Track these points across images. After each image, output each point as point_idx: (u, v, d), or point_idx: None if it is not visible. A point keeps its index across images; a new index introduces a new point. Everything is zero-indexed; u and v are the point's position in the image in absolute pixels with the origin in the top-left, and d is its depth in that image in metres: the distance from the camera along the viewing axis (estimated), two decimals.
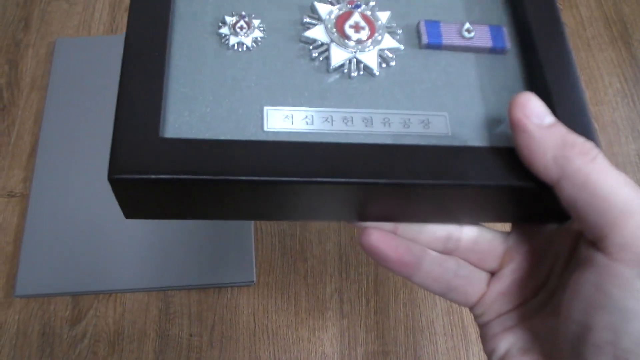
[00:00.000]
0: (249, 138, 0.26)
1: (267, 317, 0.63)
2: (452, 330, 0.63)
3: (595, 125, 0.26)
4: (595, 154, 0.24)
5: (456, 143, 0.28)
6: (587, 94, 0.76)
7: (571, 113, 0.27)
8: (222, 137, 0.26)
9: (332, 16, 0.30)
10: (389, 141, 0.27)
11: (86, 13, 0.81)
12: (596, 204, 0.23)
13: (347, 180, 0.25)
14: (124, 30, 0.81)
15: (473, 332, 0.62)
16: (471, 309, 0.32)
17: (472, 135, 0.28)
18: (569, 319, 0.25)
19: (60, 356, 0.61)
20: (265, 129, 0.27)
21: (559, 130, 0.25)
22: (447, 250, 0.31)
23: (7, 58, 0.78)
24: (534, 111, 0.25)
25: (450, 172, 0.26)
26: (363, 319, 0.63)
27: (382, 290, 0.64)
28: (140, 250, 0.64)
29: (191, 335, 0.62)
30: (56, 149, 0.70)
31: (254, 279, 0.63)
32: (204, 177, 0.24)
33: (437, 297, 0.64)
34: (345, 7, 0.30)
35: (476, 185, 0.26)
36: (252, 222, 0.66)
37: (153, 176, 0.25)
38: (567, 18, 0.82)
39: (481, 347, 0.61)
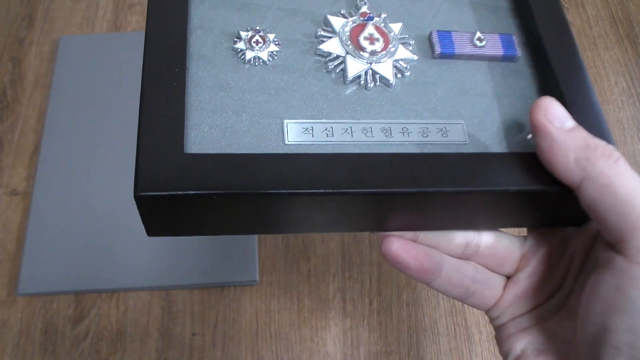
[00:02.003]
0: (271, 152, 0.27)
1: (270, 316, 0.62)
2: (455, 330, 0.62)
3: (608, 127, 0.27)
4: (617, 157, 0.25)
5: (475, 150, 0.28)
6: None
7: (586, 119, 0.27)
8: (244, 149, 0.26)
9: (347, 29, 0.30)
10: (409, 150, 0.27)
11: (90, 10, 0.81)
12: (618, 207, 0.24)
13: (371, 190, 0.25)
14: (128, 28, 0.80)
15: (476, 332, 0.62)
16: (487, 312, 0.33)
17: (490, 142, 0.28)
18: (587, 320, 0.25)
19: (62, 355, 0.61)
20: (287, 142, 0.27)
21: (581, 134, 0.25)
22: (466, 255, 0.31)
23: (11, 56, 0.78)
24: (555, 115, 0.26)
25: (474, 179, 0.26)
26: (366, 318, 0.63)
27: (385, 290, 0.64)
28: (143, 249, 0.64)
29: (194, 335, 0.62)
30: (59, 147, 0.70)
31: (257, 279, 0.63)
32: (230, 191, 0.25)
33: (440, 297, 0.64)
34: (358, 20, 0.30)
35: (500, 191, 0.26)
36: None
37: (179, 192, 0.25)
38: (574, 17, 0.81)
39: (484, 347, 0.61)
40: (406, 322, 0.63)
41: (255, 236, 0.65)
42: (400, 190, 0.25)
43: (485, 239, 0.31)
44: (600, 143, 0.25)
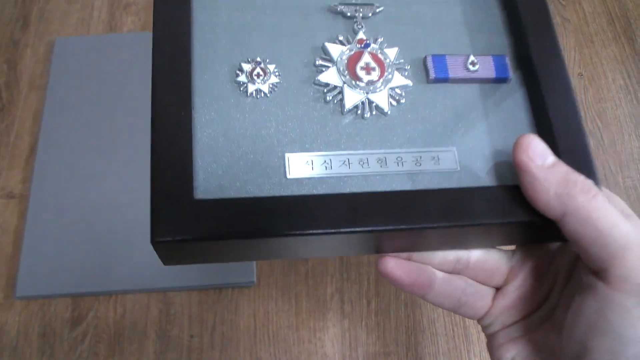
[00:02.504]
0: (273, 186, 0.28)
1: (268, 318, 0.62)
2: (453, 330, 0.62)
3: (591, 144, 0.27)
4: (596, 192, 0.26)
5: (465, 178, 0.29)
6: (590, 91, 0.76)
7: (572, 145, 0.29)
8: (249, 187, 0.28)
9: (344, 57, 0.31)
10: (403, 180, 0.29)
11: (85, 11, 0.81)
12: (598, 239, 0.25)
13: (367, 229, 0.27)
14: (124, 29, 0.80)
15: (474, 332, 0.62)
16: (479, 321, 0.34)
17: (480, 170, 0.30)
18: (571, 339, 0.26)
19: (60, 357, 0.61)
20: (288, 176, 0.28)
21: (561, 169, 0.27)
22: (457, 270, 0.33)
23: (6, 57, 0.77)
24: (536, 152, 0.27)
25: (462, 214, 0.27)
26: (364, 319, 0.63)
27: (383, 290, 0.64)
28: (141, 251, 0.64)
29: (192, 337, 0.62)
30: (55, 149, 0.70)
31: (255, 280, 0.63)
32: (236, 237, 0.26)
33: None
34: (355, 47, 0.31)
35: (485, 224, 0.28)
36: None
37: (191, 238, 0.26)
38: (570, 14, 0.81)
39: (482, 347, 0.61)
40: (404, 322, 0.63)
41: None
42: (393, 227, 0.27)
43: (474, 254, 0.33)
44: (579, 178, 0.27)
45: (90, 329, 0.62)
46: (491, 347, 0.33)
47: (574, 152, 0.29)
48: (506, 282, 0.33)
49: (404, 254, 0.31)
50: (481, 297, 0.33)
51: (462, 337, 0.62)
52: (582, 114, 0.74)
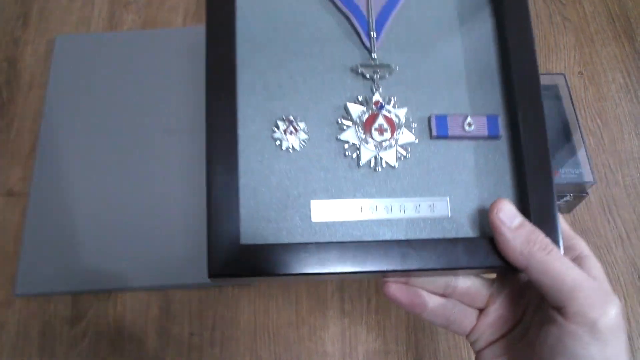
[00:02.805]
0: (300, 230, 0.35)
1: (268, 316, 0.62)
2: None
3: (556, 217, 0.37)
4: (551, 248, 0.33)
5: (454, 224, 0.36)
6: (590, 90, 0.76)
7: (541, 202, 0.36)
8: (282, 232, 0.35)
9: (362, 118, 0.37)
10: (404, 225, 0.36)
11: (85, 9, 0.81)
12: (554, 285, 0.33)
13: (372, 269, 0.34)
14: (124, 27, 0.80)
15: None
16: (467, 337, 0.41)
17: (467, 217, 0.36)
18: (540, 358, 0.34)
19: (61, 355, 0.61)
20: (313, 220, 0.35)
21: (525, 230, 0.34)
22: (446, 293, 0.40)
23: (6, 55, 0.77)
24: (506, 215, 0.34)
25: (448, 260, 0.35)
26: (364, 318, 0.63)
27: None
28: (141, 249, 0.64)
29: (192, 335, 0.62)
30: (56, 147, 0.70)
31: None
32: (269, 275, 0.34)
33: None
34: (371, 109, 0.37)
35: (468, 267, 0.35)
36: None
37: (236, 275, 0.34)
38: (571, 13, 0.81)
39: None
40: (404, 321, 0.63)
41: None
42: (395, 269, 0.34)
43: (460, 281, 0.40)
44: (539, 237, 0.34)
45: (90, 326, 0.62)
46: None
47: (541, 210, 0.35)
48: (487, 305, 0.40)
49: (403, 279, 0.39)
50: (467, 317, 0.40)
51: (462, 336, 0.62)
52: (582, 112, 0.74)
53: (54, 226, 0.65)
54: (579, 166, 0.64)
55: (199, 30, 0.77)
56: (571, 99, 0.67)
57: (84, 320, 0.62)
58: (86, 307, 0.63)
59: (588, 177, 0.63)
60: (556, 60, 0.77)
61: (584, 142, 0.65)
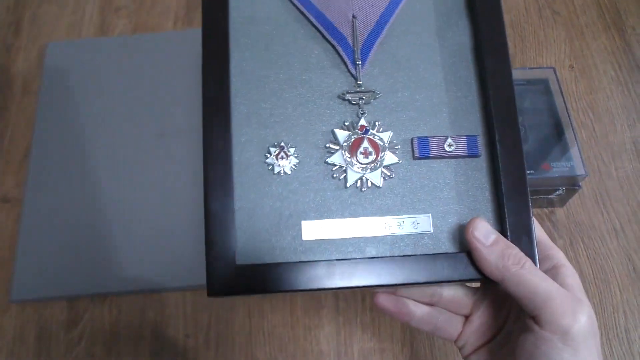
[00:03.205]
0: (292, 249, 0.38)
1: (263, 316, 0.63)
2: None
3: (534, 226, 0.39)
4: (524, 262, 0.36)
5: (436, 239, 0.38)
6: (582, 83, 0.76)
7: (517, 217, 0.38)
8: (275, 251, 0.38)
9: (348, 142, 0.39)
10: (389, 241, 0.38)
11: (76, 15, 0.81)
12: (528, 296, 0.35)
13: (361, 285, 0.37)
14: (115, 32, 0.80)
15: None
16: (455, 343, 0.43)
17: (447, 232, 0.39)
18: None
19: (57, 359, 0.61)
20: (303, 238, 0.38)
21: (499, 246, 0.36)
22: (433, 302, 0.42)
23: None
24: (481, 232, 0.36)
25: (431, 274, 0.37)
26: (359, 316, 0.63)
27: None
28: (135, 253, 0.64)
29: (187, 336, 0.62)
30: (49, 153, 0.70)
31: None
32: (264, 292, 0.37)
33: None
34: (357, 134, 0.39)
35: (449, 280, 0.37)
36: None
37: (233, 293, 0.36)
38: (560, 7, 0.81)
39: None
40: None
41: None
42: (382, 284, 0.37)
43: (445, 290, 0.42)
44: (513, 252, 0.36)
45: (86, 330, 0.62)
46: None
47: (518, 225, 0.38)
48: (471, 312, 0.43)
49: (392, 290, 0.42)
50: (453, 324, 0.43)
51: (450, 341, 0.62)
52: (574, 105, 0.74)
53: (48, 232, 0.66)
54: (571, 159, 0.64)
55: (190, 34, 0.78)
56: (562, 92, 0.67)
57: (79, 324, 0.63)
58: (81, 311, 0.63)
59: (580, 170, 0.63)
60: (546, 54, 0.77)
61: (575, 136, 0.65)
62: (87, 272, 0.64)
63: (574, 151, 0.64)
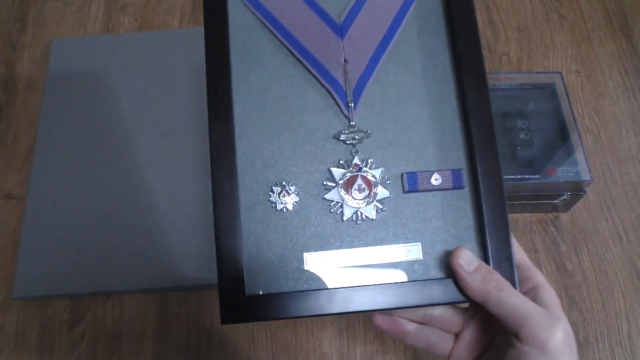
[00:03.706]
0: (295, 279, 0.41)
1: None
2: None
3: (515, 245, 0.43)
4: (504, 285, 0.39)
5: (426, 266, 0.42)
6: (587, 88, 0.76)
7: (498, 245, 0.41)
8: (281, 281, 0.41)
9: (343, 180, 0.42)
10: (383, 269, 0.42)
11: (82, 13, 0.81)
12: (508, 316, 0.38)
13: (358, 310, 0.40)
14: (120, 30, 0.81)
15: None
16: (447, 358, 0.46)
17: (436, 259, 0.42)
18: None
19: (59, 358, 0.61)
20: (305, 268, 0.41)
21: (481, 272, 0.40)
22: (425, 321, 0.46)
23: (3, 59, 0.78)
24: (464, 260, 0.40)
25: (422, 298, 0.40)
26: (361, 317, 0.63)
27: None
28: (138, 251, 0.64)
29: (189, 336, 0.62)
30: (53, 150, 0.70)
31: None
32: (271, 319, 0.40)
33: None
34: (351, 172, 0.42)
35: (438, 303, 0.41)
36: None
37: (243, 320, 0.40)
38: (567, 11, 0.81)
39: None
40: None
41: None
42: (374, 309, 0.40)
43: (436, 310, 0.45)
44: (493, 277, 0.39)
45: (88, 329, 0.62)
46: None
47: (499, 252, 0.41)
48: (461, 330, 0.45)
49: (388, 312, 0.45)
50: (444, 341, 0.46)
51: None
52: (580, 110, 0.74)
53: (51, 230, 0.66)
54: (576, 165, 0.64)
55: (195, 33, 0.77)
56: (568, 97, 0.67)
57: (82, 323, 0.63)
58: (84, 310, 0.63)
59: (585, 175, 0.63)
60: (553, 58, 0.77)
61: (581, 141, 0.65)
62: (90, 271, 0.64)
63: (579, 156, 0.64)
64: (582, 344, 0.62)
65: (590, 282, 0.64)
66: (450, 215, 0.43)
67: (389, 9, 0.46)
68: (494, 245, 0.41)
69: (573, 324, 0.62)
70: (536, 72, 0.74)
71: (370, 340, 0.62)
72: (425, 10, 0.46)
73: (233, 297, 0.40)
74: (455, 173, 0.43)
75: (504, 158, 0.65)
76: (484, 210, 0.42)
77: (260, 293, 0.41)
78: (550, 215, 0.68)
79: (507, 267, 0.41)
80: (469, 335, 0.45)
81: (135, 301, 0.63)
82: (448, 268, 0.41)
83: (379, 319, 0.45)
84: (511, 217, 0.68)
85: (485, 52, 0.78)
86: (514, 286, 0.40)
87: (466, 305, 0.45)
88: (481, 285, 0.39)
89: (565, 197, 0.65)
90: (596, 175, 0.70)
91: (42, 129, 0.71)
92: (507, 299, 0.39)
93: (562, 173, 0.64)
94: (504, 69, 0.77)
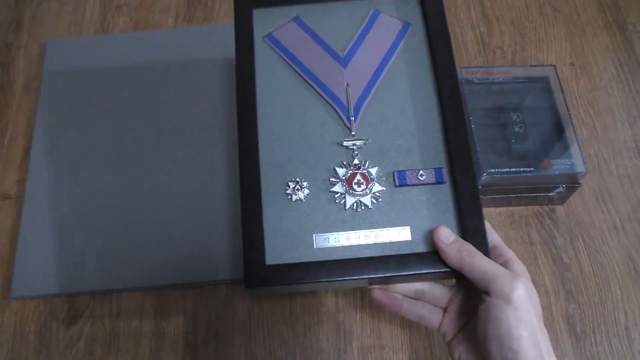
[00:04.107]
0: (306, 254, 0.49)
1: (262, 313, 0.63)
2: None
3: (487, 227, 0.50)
4: (476, 253, 0.47)
5: (414, 244, 0.50)
6: (582, 80, 0.76)
7: (472, 224, 0.49)
8: (294, 254, 0.49)
9: (345, 176, 0.52)
10: (378, 246, 0.50)
11: (77, 13, 0.81)
12: (480, 276, 0.46)
13: (355, 277, 0.48)
14: (115, 29, 0.82)
15: None
16: (438, 331, 0.53)
17: (422, 239, 0.50)
18: (478, 328, 0.46)
19: (57, 357, 0.61)
20: (314, 247, 0.50)
21: (457, 244, 0.47)
22: (417, 296, 0.53)
23: None
24: (443, 235, 0.48)
25: (411, 267, 0.48)
26: (358, 313, 0.63)
27: None
28: (135, 250, 0.64)
29: (187, 333, 0.62)
30: (49, 150, 0.70)
31: None
32: (287, 283, 0.48)
33: None
34: (352, 170, 0.52)
35: (421, 273, 0.49)
36: None
37: (264, 286, 0.48)
38: (561, 4, 0.81)
39: None
40: (399, 315, 0.63)
41: None
42: (371, 276, 0.48)
43: (426, 287, 0.53)
44: (466, 247, 0.47)
45: (86, 327, 0.62)
46: (449, 350, 0.52)
47: (474, 231, 0.49)
48: (449, 304, 0.53)
49: (384, 287, 0.53)
50: (434, 314, 0.53)
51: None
52: (574, 103, 0.74)
53: (49, 229, 0.66)
54: (571, 157, 0.64)
55: (190, 31, 0.78)
56: (562, 89, 0.67)
57: (79, 321, 0.63)
58: (82, 308, 0.63)
59: (580, 167, 0.63)
60: (547, 51, 0.77)
61: (575, 133, 0.65)
62: (87, 269, 0.64)
63: (574, 149, 0.64)
64: (580, 336, 0.62)
65: (587, 274, 0.64)
66: (434, 204, 0.51)
67: (383, 45, 0.57)
68: (469, 226, 0.49)
69: (570, 316, 0.63)
70: (530, 66, 0.74)
71: (367, 335, 0.62)
72: (411, 46, 0.57)
73: (256, 266, 0.48)
74: (437, 171, 0.52)
75: (499, 151, 0.65)
76: (461, 200, 0.51)
77: (278, 263, 0.49)
78: (546, 208, 0.68)
79: (479, 241, 0.49)
80: (454, 308, 0.52)
81: (132, 299, 0.64)
82: (432, 245, 0.49)
83: (378, 294, 0.53)
84: (507, 210, 0.68)
85: (479, 46, 0.78)
86: (487, 256, 0.48)
87: (452, 283, 0.54)
88: (457, 254, 0.47)
89: (560, 189, 0.65)
90: (591, 167, 0.70)
91: (38, 128, 0.71)
92: (478, 262, 0.46)
93: (557, 165, 0.64)
94: (498, 63, 0.77)
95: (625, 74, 0.76)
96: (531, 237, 0.67)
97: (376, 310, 0.63)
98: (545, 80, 0.69)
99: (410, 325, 0.62)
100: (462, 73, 0.69)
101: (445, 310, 0.53)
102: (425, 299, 0.53)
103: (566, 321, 0.62)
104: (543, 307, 0.63)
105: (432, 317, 0.53)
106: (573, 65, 0.77)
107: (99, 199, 0.67)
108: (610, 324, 0.62)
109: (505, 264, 0.48)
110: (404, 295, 0.53)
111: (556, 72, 0.68)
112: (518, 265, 0.49)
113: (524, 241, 0.66)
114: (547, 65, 0.70)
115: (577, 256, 0.65)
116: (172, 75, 0.74)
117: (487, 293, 0.46)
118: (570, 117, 0.66)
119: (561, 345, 0.61)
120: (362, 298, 0.63)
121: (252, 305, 0.63)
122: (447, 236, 0.48)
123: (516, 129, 0.66)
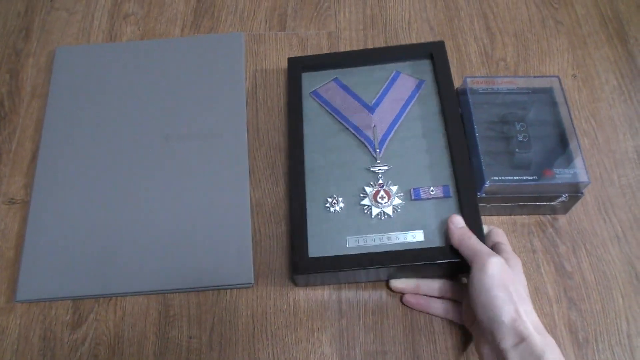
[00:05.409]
0: (341, 251, 0.62)
1: (266, 318, 0.63)
2: (450, 329, 0.63)
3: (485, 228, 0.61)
4: (472, 235, 0.58)
5: (427, 243, 0.62)
6: (584, 92, 0.76)
7: (470, 221, 0.61)
8: (332, 250, 0.62)
9: (372, 192, 0.65)
10: (398, 246, 0.62)
11: (85, 22, 0.82)
12: (467, 252, 0.57)
13: (378, 266, 0.60)
14: (123, 38, 0.83)
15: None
16: (463, 322, 0.62)
17: (434, 240, 0.62)
18: (468, 297, 0.56)
19: None
20: (347, 246, 0.62)
21: (462, 230, 0.59)
22: (440, 294, 0.64)
23: (8, 67, 0.79)
24: (456, 220, 0.60)
25: (425, 257, 0.60)
26: (361, 318, 0.63)
27: (381, 289, 0.65)
28: (140, 254, 0.65)
29: (190, 338, 0.62)
30: (56, 155, 0.71)
31: (252, 281, 0.64)
32: (325, 271, 0.61)
33: None
34: (377, 187, 0.65)
35: (430, 263, 0.60)
36: (249, 224, 0.67)
37: (308, 274, 0.61)
38: (563, 16, 0.82)
39: None
40: (402, 321, 0.63)
41: (250, 239, 0.66)
42: (392, 265, 0.60)
43: (447, 285, 0.63)
44: (468, 232, 0.59)
45: (90, 331, 0.63)
46: (473, 338, 0.59)
47: (472, 224, 0.60)
48: (464, 297, 0.62)
49: (413, 289, 0.64)
50: (457, 308, 0.63)
51: (459, 335, 0.62)
52: (577, 113, 0.75)
53: (54, 233, 0.66)
54: (574, 166, 0.64)
55: (197, 41, 0.79)
56: (565, 100, 0.68)
57: (84, 324, 0.63)
58: (86, 312, 0.64)
59: (583, 177, 0.63)
60: (550, 63, 0.78)
61: (578, 143, 0.65)
62: (92, 273, 0.64)
63: (577, 158, 0.65)
64: (582, 343, 0.62)
65: (589, 282, 0.65)
66: (442, 214, 0.63)
67: (402, 96, 0.71)
68: (469, 224, 0.61)
69: (572, 324, 0.63)
70: (534, 76, 0.75)
71: (370, 340, 0.62)
72: (425, 98, 0.71)
73: (301, 258, 0.61)
74: (445, 188, 0.64)
75: (503, 160, 0.66)
76: (463, 210, 0.62)
77: (318, 256, 0.61)
78: (548, 217, 0.69)
79: (478, 233, 0.60)
80: (467, 300, 0.59)
81: (137, 303, 0.64)
82: (441, 241, 0.61)
83: (408, 297, 0.64)
84: (510, 218, 0.69)
85: (482, 57, 0.79)
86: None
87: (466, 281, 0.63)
88: (460, 236, 0.58)
89: (563, 198, 0.65)
90: (593, 177, 0.71)
91: (45, 134, 0.72)
92: (470, 242, 0.57)
93: (560, 175, 0.64)
94: (501, 74, 0.77)
95: (627, 85, 0.77)
96: (534, 245, 0.67)
97: (379, 316, 0.63)
98: (549, 91, 0.70)
99: (413, 331, 0.62)
100: (468, 82, 0.70)
101: (462, 303, 0.62)
102: (447, 296, 0.63)
103: (568, 329, 0.63)
104: (545, 315, 0.63)
105: (455, 311, 0.63)
106: (575, 76, 0.77)
107: (105, 203, 0.68)
108: (612, 332, 0.62)
109: (500, 254, 0.57)
110: (430, 296, 0.64)
111: (560, 83, 0.69)
112: (512, 257, 0.58)
113: (526, 249, 0.67)
114: (551, 77, 0.71)
115: (579, 264, 0.66)
116: (179, 83, 0.75)
117: (471, 265, 0.56)
118: (573, 127, 0.66)
119: (563, 352, 0.61)
120: (366, 304, 0.64)
121: (255, 310, 0.63)
122: (458, 223, 0.60)
123: (520, 138, 0.67)
